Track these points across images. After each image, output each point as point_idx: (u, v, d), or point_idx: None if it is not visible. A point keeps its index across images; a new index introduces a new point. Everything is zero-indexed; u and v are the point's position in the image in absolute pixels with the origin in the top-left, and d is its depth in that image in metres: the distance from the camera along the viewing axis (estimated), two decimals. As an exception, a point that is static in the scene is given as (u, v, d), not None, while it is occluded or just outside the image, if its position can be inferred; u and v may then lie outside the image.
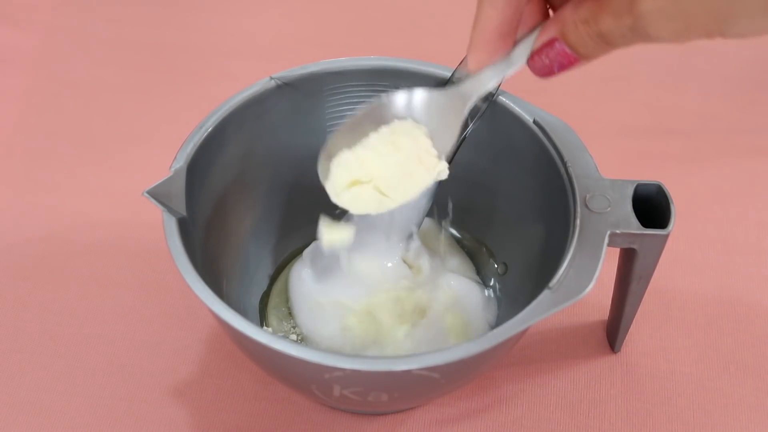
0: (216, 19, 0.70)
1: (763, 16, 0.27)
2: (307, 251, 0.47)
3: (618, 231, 0.38)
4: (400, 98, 0.39)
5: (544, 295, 0.36)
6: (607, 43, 0.31)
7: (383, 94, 0.39)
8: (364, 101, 0.47)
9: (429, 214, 0.50)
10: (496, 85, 0.37)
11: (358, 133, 0.39)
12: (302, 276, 0.47)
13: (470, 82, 0.37)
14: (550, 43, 0.33)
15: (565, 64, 0.33)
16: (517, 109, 0.44)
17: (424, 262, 0.45)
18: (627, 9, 0.29)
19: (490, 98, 0.43)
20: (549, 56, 0.33)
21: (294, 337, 0.47)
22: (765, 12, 0.27)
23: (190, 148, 0.41)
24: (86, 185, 0.57)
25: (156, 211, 0.38)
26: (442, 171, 0.38)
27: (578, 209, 0.39)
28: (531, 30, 0.34)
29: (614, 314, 0.46)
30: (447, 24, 0.69)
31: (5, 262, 0.52)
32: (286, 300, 0.48)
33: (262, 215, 0.49)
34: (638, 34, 0.30)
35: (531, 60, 0.34)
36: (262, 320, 0.48)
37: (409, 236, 0.44)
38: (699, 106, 0.63)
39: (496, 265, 0.49)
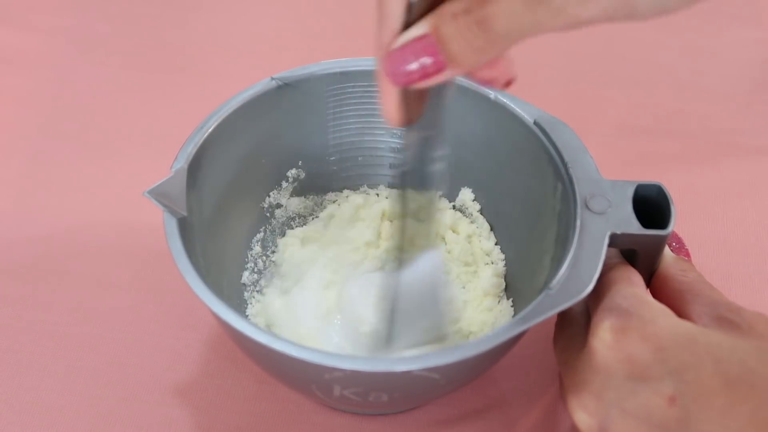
0: (216, 19, 0.70)
1: None
2: None
3: (618, 232, 0.38)
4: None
5: (544, 296, 0.36)
6: (486, 34, 0.27)
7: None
8: (364, 102, 0.47)
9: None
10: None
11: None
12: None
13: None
14: (417, 39, 0.28)
15: (430, 69, 0.28)
16: (517, 110, 0.44)
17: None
18: None
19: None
20: (412, 53, 0.29)
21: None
22: None
23: (190, 148, 0.41)
24: (86, 185, 0.57)
25: (157, 211, 0.38)
26: None
27: (578, 210, 0.39)
28: None
29: (614, 314, 0.46)
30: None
31: (5, 262, 0.52)
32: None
33: (262, 215, 0.49)
34: (537, 17, 0.26)
35: (388, 57, 0.29)
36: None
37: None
38: (699, 106, 0.63)
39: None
